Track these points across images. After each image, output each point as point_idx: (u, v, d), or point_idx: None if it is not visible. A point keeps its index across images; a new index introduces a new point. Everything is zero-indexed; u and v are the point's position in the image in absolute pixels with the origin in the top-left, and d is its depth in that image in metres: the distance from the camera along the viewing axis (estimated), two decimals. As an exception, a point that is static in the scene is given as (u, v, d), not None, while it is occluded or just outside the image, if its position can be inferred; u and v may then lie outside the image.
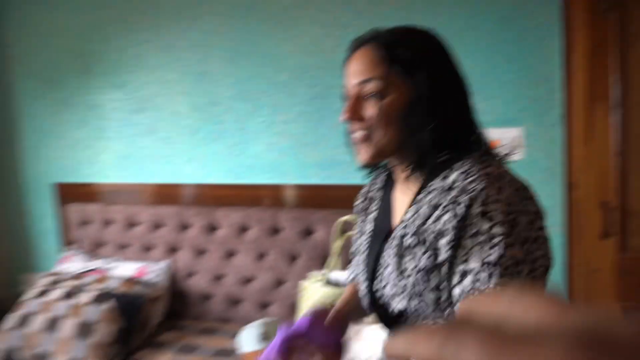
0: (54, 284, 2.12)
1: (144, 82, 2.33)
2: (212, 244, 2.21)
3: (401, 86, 0.80)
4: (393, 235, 0.84)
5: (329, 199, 2.08)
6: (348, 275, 1.10)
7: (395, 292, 0.80)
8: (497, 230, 0.69)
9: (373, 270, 0.87)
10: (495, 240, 0.69)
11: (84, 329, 1.90)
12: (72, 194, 2.52)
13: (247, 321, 2.09)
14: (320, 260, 2.04)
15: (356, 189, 2.05)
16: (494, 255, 0.69)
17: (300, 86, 2.10)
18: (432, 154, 0.81)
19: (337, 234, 1.94)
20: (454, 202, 0.73)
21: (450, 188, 0.76)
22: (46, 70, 2.51)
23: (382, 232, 0.89)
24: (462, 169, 0.77)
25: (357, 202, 1.05)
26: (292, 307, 2.08)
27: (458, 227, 0.72)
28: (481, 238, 0.70)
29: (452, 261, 0.73)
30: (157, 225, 2.32)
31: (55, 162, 2.57)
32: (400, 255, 0.80)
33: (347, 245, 1.96)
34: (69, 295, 2.03)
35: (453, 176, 0.77)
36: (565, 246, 1.85)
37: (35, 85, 2.55)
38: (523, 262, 0.69)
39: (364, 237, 0.95)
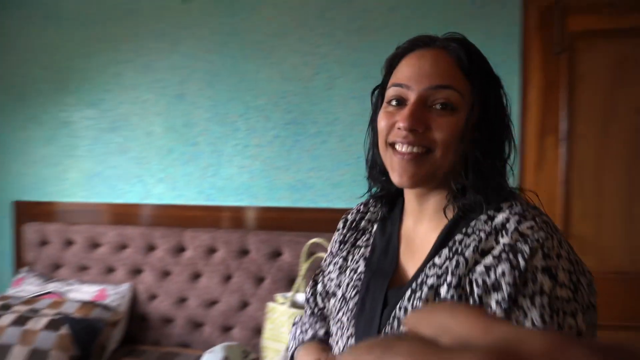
0: (4, 308, 2.00)
1: (120, 102, 2.34)
2: (177, 265, 2.16)
3: (470, 103, 0.69)
4: (413, 285, 0.69)
5: (297, 222, 2.09)
6: (301, 324, 0.90)
7: None
8: (560, 292, 0.60)
9: (377, 324, 0.70)
10: (557, 304, 0.60)
11: (36, 358, 1.78)
12: (31, 212, 2.43)
13: (208, 346, 2.01)
14: (287, 283, 2.02)
15: (325, 212, 2.10)
16: (555, 323, 0.59)
17: (276, 111, 2.15)
18: (482, 186, 0.68)
19: (305, 256, 1.94)
20: (512, 250, 0.62)
21: (500, 229, 0.65)
22: (19, 85, 2.49)
23: (384, 276, 0.74)
24: (513, 211, 0.66)
25: (343, 234, 0.88)
26: (255, 330, 2.03)
27: (516, 284, 0.61)
28: (542, 300, 0.60)
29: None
30: (121, 246, 2.25)
31: (17, 179, 2.49)
32: None
33: (314, 268, 1.95)
34: (20, 320, 1.91)
35: (502, 217, 0.66)
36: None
37: (4, 100, 2.51)
38: (583, 334, 0.60)
39: (352, 278, 0.79)
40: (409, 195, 0.76)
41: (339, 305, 0.79)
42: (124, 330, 2.13)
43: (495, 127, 0.70)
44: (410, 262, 0.73)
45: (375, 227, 0.83)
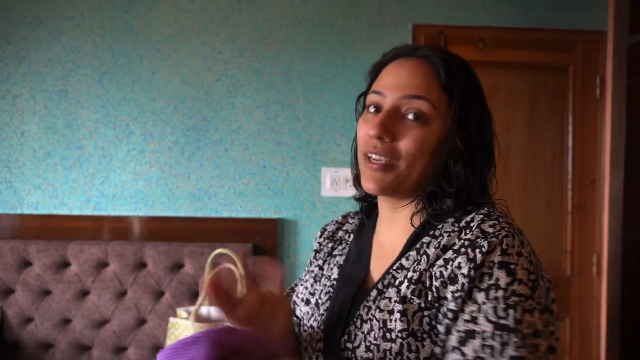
0: None
1: (-18, 95, 2.01)
2: (59, 283, 1.93)
3: (446, 115, 0.70)
4: (379, 285, 0.70)
5: (199, 232, 2.03)
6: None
7: (371, 357, 0.66)
8: (517, 288, 0.60)
9: (343, 326, 0.71)
10: (514, 299, 0.59)
11: None
12: None
13: (99, 370, 1.85)
14: (190, 296, 1.94)
15: (229, 222, 2.07)
16: (510, 318, 0.59)
17: (175, 115, 2.05)
18: (452, 195, 0.70)
19: (210, 267, 1.89)
20: (470, 245, 0.63)
21: (464, 228, 0.66)
22: None
23: (355, 281, 0.76)
24: (479, 212, 0.68)
25: (319, 243, 0.90)
26: (154, 349, 1.91)
27: (470, 276, 0.61)
28: (497, 294, 0.60)
29: (455, 315, 0.61)
30: (-17, 264, 1.94)
31: None
32: (390, 311, 0.66)
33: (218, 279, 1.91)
34: None
35: (468, 217, 0.68)
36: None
37: None
38: (541, 335, 0.60)
39: (325, 285, 0.80)
40: (383, 204, 0.78)
41: (310, 311, 0.80)
42: (-12, 361, 1.84)
43: (474, 141, 0.71)
44: (380, 268, 0.74)
45: (352, 237, 0.84)
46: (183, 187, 2.05)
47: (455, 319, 0.61)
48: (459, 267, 0.62)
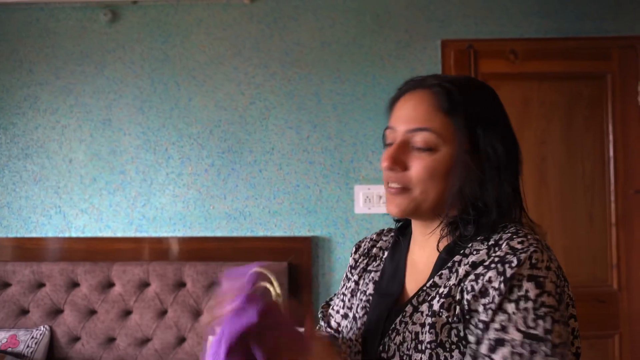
0: None
1: (35, 126, 2.15)
2: (104, 303, 2.01)
3: (455, 140, 0.73)
4: (414, 301, 0.74)
5: (236, 251, 2.07)
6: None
7: None
8: (546, 299, 0.62)
9: (380, 338, 0.76)
10: (543, 310, 0.62)
11: None
12: None
13: (142, 388, 1.90)
14: (228, 315, 1.97)
15: (264, 240, 2.11)
16: (540, 328, 0.61)
17: (211, 139, 2.13)
18: (483, 215, 0.73)
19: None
20: (500, 260, 0.66)
21: (493, 246, 0.69)
22: None
23: (391, 296, 0.79)
24: (507, 231, 0.71)
25: (355, 259, 0.93)
26: (195, 368, 1.95)
27: (501, 289, 0.63)
28: (526, 304, 0.62)
29: (486, 325, 0.64)
30: (35, 285, 2.04)
31: None
32: (422, 324, 0.70)
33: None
34: None
35: (497, 236, 0.71)
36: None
37: None
38: (566, 345, 0.62)
39: (361, 299, 0.84)
40: (415, 225, 0.82)
41: (349, 325, 0.84)
42: (40, 378, 1.92)
43: (490, 161, 0.73)
44: (414, 285, 0.78)
45: (386, 254, 0.88)
46: (219, 207, 2.11)
47: (486, 329, 0.64)
48: (490, 280, 0.65)
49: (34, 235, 2.13)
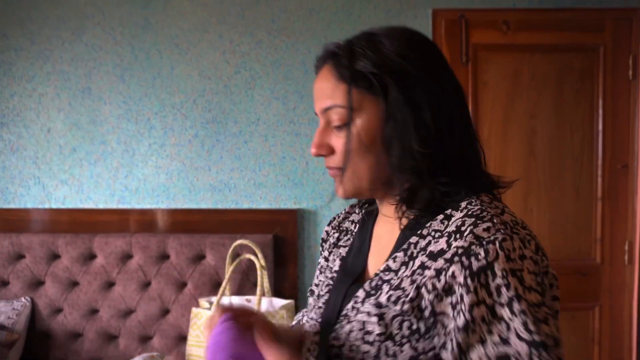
0: None
1: (10, 94, 2.08)
2: (86, 275, 1.98)
3: (372, 105, 0.66)
4: (367, 286, 0.67)
5: (220, 224, 2.05)
6: (295, 319, 0.93)
7: (353, 357, 0.64)
8: (530, 297, 0.56)
9: (334, 321, 0.70)
10: (531, 311, 0.55)
11: None
12: None
13: (124, 359, 1.90)
14: (212, 287, 1.96)
15: (249, 213, 2.08)
16: (526, 334, 0.54)
17: (195, 109, 2.07)
18: (427, 184, 0.65)
19: (230, 258, 1.90)
20: (465, 252, 0.58)
21: (454, 232, 0.61)
22: None
23: (352, 275, 0.74)
24: (470, 211, 0.63)
25: (327, 232, 0.88)
26: (178, 338, 1.95)
27: (467, 285, 0.57)
28: (520, 306, 0.55)
29: (467, 328, 0.57)
30: (15, 257, 2.01)
31: None
32: (368, 314, 0.64)
33: (240, 270, 1.93)
34: None
35: (457, 218, 0.63)
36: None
37: None
38: (558, 341, 0.56)
39: (327, 277, 0.79)
40: (377, 200, 0.76)
41: (314, 303, 0.79)
42: (22, 350, 1.91)
43: (431, 116, 0.64)
44: (377, 262, 0.72)
45: (357, 227, 0.82)
46: (204, 179, 2.07)
47: (465, 330, 0.57)
48: (454, 276, 0.58)
49: (12, 206, 2.08)
